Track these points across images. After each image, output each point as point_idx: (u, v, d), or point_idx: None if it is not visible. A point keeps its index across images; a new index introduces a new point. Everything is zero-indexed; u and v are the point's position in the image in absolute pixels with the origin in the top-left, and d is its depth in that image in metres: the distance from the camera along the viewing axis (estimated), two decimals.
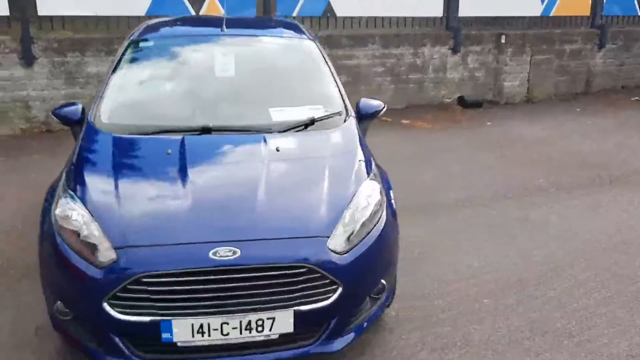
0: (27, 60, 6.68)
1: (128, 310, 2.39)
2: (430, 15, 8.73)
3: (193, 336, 2.43)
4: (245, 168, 2.92)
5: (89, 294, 2.42)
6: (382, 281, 2.82)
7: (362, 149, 3.19)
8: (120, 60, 3.63)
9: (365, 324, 2.78)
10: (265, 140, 3.07)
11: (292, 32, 4.19)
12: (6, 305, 3.32)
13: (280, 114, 3.32)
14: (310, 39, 4.06)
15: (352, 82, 8.29)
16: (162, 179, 2.80)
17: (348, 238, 2.65)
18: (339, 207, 2.73)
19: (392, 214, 2.97)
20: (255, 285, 2.44)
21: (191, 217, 2.56)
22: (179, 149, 2.95)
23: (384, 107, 3.83)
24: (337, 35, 8.17)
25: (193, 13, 7.43)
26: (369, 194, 2.88)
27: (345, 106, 3.52)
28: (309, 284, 2.50)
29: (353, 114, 3.52)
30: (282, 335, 2.52)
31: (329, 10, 8.08)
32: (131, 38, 3.82)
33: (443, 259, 4.03)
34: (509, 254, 4.13)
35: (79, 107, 3.48)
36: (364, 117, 3.73)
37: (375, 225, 2.77)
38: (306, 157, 3.09)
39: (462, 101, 8.91)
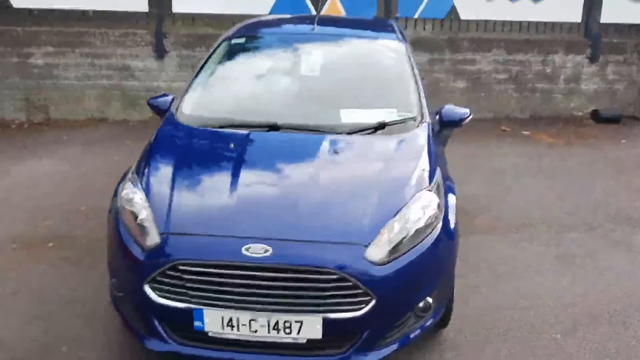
0: (159, 53, 7.23)
1: (166, 295, 2.49)
2: (567, 21, 8.08)
3: (223, 328, 2.47)
4: (299, 168, 2.91)
5: (134, 274, 2.56)
6: (428, 299, 2.66)
7: (429, 157, 3.03)
8: (210, 56, 3.80)
9: (404, 340, 2.64)
10: (327, 141, 3.04)
11: (383, 32, 4.10)
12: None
13: (351, 116, 3.27)
14: (400, 40, 3.94)
15: (471, 88, 7.96)
16: (217, 172, 2.88)
17: (391, 249, 2.53)
18: (385, 215, 2.62)
19: (449, 230, 2.79)
20: (284, 286, 2.42)
21: (232, 211, 2.60)
22: (242, 143, 3.02)
23: (469, 116, 3.62)
24: (458, 39, 7.86)
25: (313, 12, 7.58)
26: (425, 205, 2.73)
27: (422, 112, 3.37)
28: (340, 292, 2.43)
29: (428, 120, 3.36)
30: (310, 341, 2.48)
31: (453, 12, 7.79)
32: (225, 36, 3.98)
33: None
34: (549, 289, 3.76)
35: (169, 98, 3.69)
36: (446, 125, 3.55)
37: (424, 239, 2.62)
38: (365, 161, 3.01)
39: (596, 115, 8.14)
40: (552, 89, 8.15)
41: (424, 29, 7.87)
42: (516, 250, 4.27)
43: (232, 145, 3.00)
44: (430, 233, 2.68)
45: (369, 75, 3.74)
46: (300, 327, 2.45)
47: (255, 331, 2.46)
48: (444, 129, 3.57)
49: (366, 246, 2.51)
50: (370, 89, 3.64)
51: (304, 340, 2.48)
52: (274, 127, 3.17)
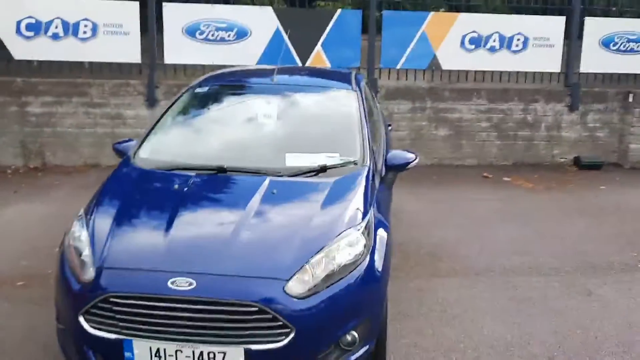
0: (151, 102, 7.55)
1: (98, 326, 2.63)
2: (547, 71, 8.32)
3: (151, 359, 2.59)
4: (234, 207, 3.07)
5: (71, 306, 2.71)
6: (354, 333, 2.77)
7: (364, 199, 3.18)
8: (173, 104, 4.05)
9: None
10: (266, 183, 3.22)
11: (337, 82, 4.34)
12: None
13: (295, 160, 3.45)
14: (352, 89, 4.14)
15: (454, 135, 8.15)
16: (157, 210, 3.05)
17: (313, 284, 2.67)
18: (309, 251, 2.76)
19: (374, 269, 2.91)
20: (207, 318, 2.55)
21: (163, 247, 2.76)
22: (186, 185, 3.21)
23: (413, 160, 3.80)
24: (440, 88, 8.12)
25: (300, 63, 7.90)
26: (350, 243, 2.87)
27: (364, 156, 3.54)
28: (260, 324, 2.56)
29: (369, 164, 3.52)
30: None
31: (435, 64, 8.07)
32: (190, 85, 4.24)
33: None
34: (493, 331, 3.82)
35: (133, 143, 3.91)
36: (391, 168, 3.73)
37: (347, 276, 2.75)
38: (298, 201, 3.17)
39: (577, 162, 8.27)
40: (534, 137, 8.32)
41: (407, 79, 8.14)
42: (472, 292, 4.35)
43: (176, 187, 3.19)
44: (354, 270, 2.80)
45: (318, 122, 3.95)
46: (223, 357, 2.56)
47: None
48: (389, 172, 3.74)
49: (287, 280, 2.64)
50: (317, 135, 3.83)
51: None
52: (221, 170, 3.36)
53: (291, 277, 2.64)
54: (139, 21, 7.51)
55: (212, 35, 7.63)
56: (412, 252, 5.06)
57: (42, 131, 7.46)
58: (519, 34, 8.10)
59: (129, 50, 7.48)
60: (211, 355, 2.55)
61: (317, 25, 7.84)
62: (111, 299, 2.60)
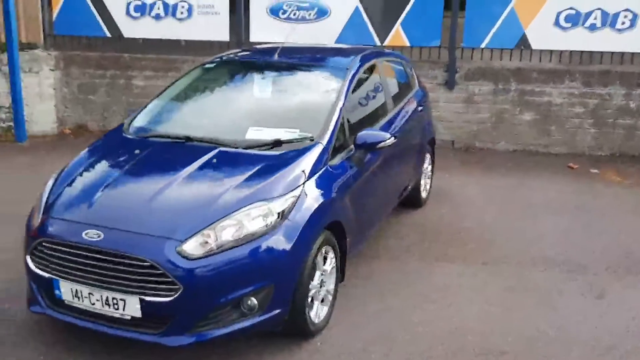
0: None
1: (38, 265, 3.02)
2: None
3: (72, 298, 2.92)
4: (170, 172, 3.21)
5: (25, 245, 3.16)
6: (252, 298, 2.87)
7: (298, 172, 3.19)
8: (179, 78, 4.35)
9: (226, 330, 2.86)
10: (213, 153, 3.35)
11: (335, 62, 4.28)
12: None
13: (256, 133, 3.54)
14: (344, 69, 4.06)
15: (541, 120, 7.53)
16: (107, 171, 3.33)
17: (210, 247, 2.79)
18: (213, 217, 2.86)
19: (286, 241, 2.94)
20: (111, 268, 2.80)
21: (90, 203, 3.06)
22: (146, 150, 3.48)
23: (384, 140, 3.67)
24: (527, 69, 7.51)
25: (378, 43, 7.82)
26: (262, 213, 2.94)
27: (324, 134, 3.51)
28: (153, 278, 2.73)
29: (325, 141, 3.47)
30: (133, 318, 2.82)
31: (524, 42, 7.47)
32: (203, 61, 4.51)
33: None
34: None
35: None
36: (360, 147, 3.65)
37: (249, 243, 2.83)
38: (231, 170, 3.25)
39: None
40: (638, 125, 7.38)
41: (491, 58, 7.66)
42: (469, 280, 4.12)
43: (137, 151, 3.47)
44: (257, 239, 2.86)
45: (295, 100, 3.98)
46: (124, 304, 2.80)
47: (94, 304, 2.87)
48: (358, 151, 3.67)
49: (181, 241, 2.76)
50: (289, 111, 3.86)
51: (129, 317, 2.82)
52: (188, 139, 3.58)
53: (187, 239, 2.78)
54: (228, 2, 7.98)
55: (294, 14, 7.84)
56: (434, 234, 4.86)
57: (144, 102, 8.29)
58: (626, 10, 7.18)
59: (219, 29, 7.99)
60: (114, 301, 2.82)
61: (397, 3, 7.67)
62: (44, 243, 2.99)
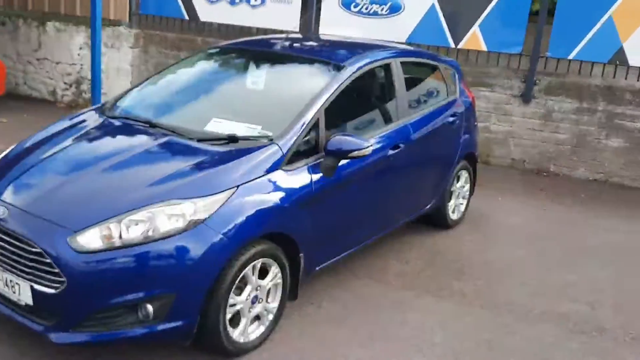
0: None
1: None
2: None
3: None
4: (105, 157, 2.95)
5: None
6: (148, 305, 2.55)
7: (232, 173, 2.82)
8: (178, 62, 4.13)
9: (117, 335, 2.57)
10: (158, 141, 3.09)
11: (335, 56, 3.78)
12: None
13: (216, 126, 3.20)
14: (338, 67, 3.58)
15: (630, 148, 6.48)
16: (53, 147, 3.15)
17: (107, 243, 2.52)
18: (118, 209, 2.57)
19: (198, 249, 2.60)
20: (9, 249, 2.64)
21: (15, 177, 2.89)
22: (99, 130, 3.31)
23: (359, 149, 3.17)
24: (620, 88, 6.47)
25: (451, 44, 7.16)
26: (173, 213, 2.60)
27: (286, 135, 3.09)
28: (41, 266, 2.53)
29: (284, 142, 3.04)
30: (27, 305, 2.64)
31: (619, 57, 6.44)
32: (210, 46, 4.25)
33: None
34: None
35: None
36: (329, 153, 3.19)
37: (151, 244, 2.52)
38: (164, 163, 2.90)
39: None
40: None
41: (579, 72, 6.69)
42: (446, 322, 3.51)
43: (92, 130, 3.29)
44: (163, 240, 2.53)
45: (274, 94, 3.59)
46: (19, 289, 2.64)
47: None
48: (328, 158, 3.20)
49: (75, 232, 2.50)
50: (263, 105, 3.49)
51: (24, 303, 2.65)
52: (151, 124, 3.34)
53: (82, 230, 2.51)
54: None
55: (366, 8, 7.40)
56: (445, 262, 4.25)
57: None
58: None
59: (290, 19, 7.76)
60: (11, 284, 2.65)
61: (477, 3, 6.95)
62: None
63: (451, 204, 4.83)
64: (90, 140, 3.25)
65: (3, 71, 7.70)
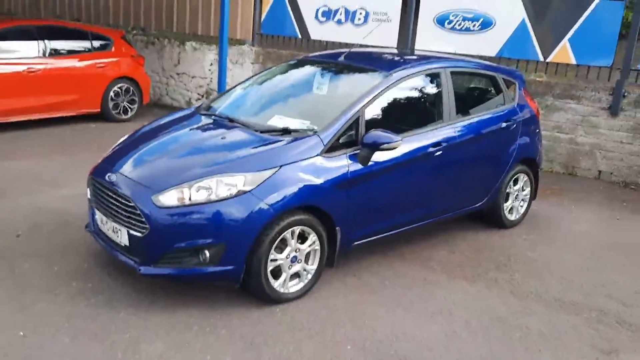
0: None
1: (90, 198, 3.98)
2: None
3: (100, 224, 3.79)
4: (192, 141, 3.85)
5: (87, 183, 4.02)
6: (206, 251, 3.30)
7: (280, 155, 3.52)
8: (264, 70, 4.98)
9: (183, 271, 3.37)
10: (230, 131, 3.89)
11: (389, 65, 4.36)
12: None
13: (277, 121, 3.95)
14: (386, 74, 4.14)
15: None
16: (156, 133, 4.11)
17: (180, 200, 3.31)
18: (188, 178, 3.38)
19: (246, 211, 3.31)
20: (116, 204, 3.59)
21: (126, 154, 3.84)
22: (194, 123, 4.21)
23: (390, 142, 3.72)
24: None
25: (540, 57, 7.33)
26: (229, 183, 3.35)
27: (327, 127, 3.72)
28: (135, 217, 3.41)
29: (325, 135, 3.67)
30: (125, 246, 3.57)
31: None
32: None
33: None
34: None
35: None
36: (365, 146, 3.79)
37: (210, 205, 3.29)
38: (230, 145, 3.68)
39: None
40: None
41: None
42: (470, 301, 3.90)
43: (185, 122, 4.20)
44: (218, 202, 3.27)
45: (330, 96, 4.22)
46: (120, 234, 3.57)
47: (107, 231, 3.71)
48: (364, 149, 3.79)
49: (158, 192, 3.33)
50: (317, 105, 4.17)
51: (123, 244, 3.57)
52: (230, 120, 4.20)
53: (162, 191, 3.34)
54: (400, 10, 8.34)
55: (459, 25, 7.82)
56: (491, 255, 4.58)
57: None
58: None
59: (389, 36, 8.39)
60: (116, 230, 3.60)
61: (567, 17, 7.08)
62: (92, 180, 3.93)
63: (507, 204, 5.14)
64: (182, 129, 4.15)
65: (148, 84, 9.18)
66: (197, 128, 4.14)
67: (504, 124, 4.87)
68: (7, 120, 7.49)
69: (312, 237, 3.68)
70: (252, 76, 4.97)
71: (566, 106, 7.07)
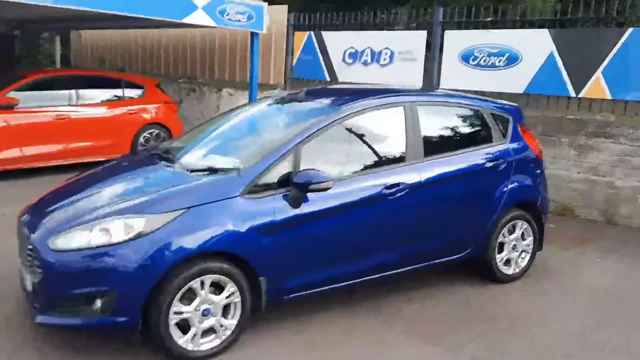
0: None
1: None
2: None
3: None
4: (123, 182, 3.71)
5: None
6: (97, 300, 3.01)
7: (186, 197, 3.22)
8: (221, 114, 4.74)
9: (77, 321, 3.10)
10: (159, 169, 3.72)
11: (343, 101, 3.94)
12: None
13: (210, 160, 3.71)
14: (333, 110, 3.78)
15: None
16: (97, 175, 3.93)
17: (80, 244, 3.06)
18: (88, 220, 3.15)
19: (138, 258, 3.02)
20: (26, 248, 3.35)
21: (55, 197, 3.68)
22: (130, 162, 4.06)
23: (319, 182, 3.30)
24: None
25: (572, 93, 6.57)
26: (130, 225, 3.06)
27: (251, 167, 3.38)
28: (34, 261, 3.17)
29: (245, 174, 3.33)
30: (31, 292, 3.28)
31: None
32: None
33: None
34: None
35: None
36: (295, 186, 3.37)
37: (102, 248, 3.01)
38: (142, 185, 3.50)
39: None
40: None
41: None
42: None
43: (127, 164, 4.08)
44: (112, 246, 2.99)
45: (272, 134, 3.89)
46: (27, 279, 3.29)
47: (24, 276, 3.48)
48: (295, 190, 3.37)
49: (55, 234, 3.11)
50: (255, 142, 3.85)
51: (30, 289, 3.28)
52: (162, 157, 3.91)
53: (59, 233, 3.11)
54: (424, 48, 7.90)
55: (484, 60, 7.25)
56: (463, 315, 3.94)
57: None
58: None
59: (415, 74, 7.95)
60: (25, 276, 3.35)
61: (599, 48, 6.32)
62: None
63: (502, 256, 4.46)
64: (121, 171, 3.96)
65: (180, 129, 9.24)
66: (134, 169, 3.94)
67: (489, 164, 4.27)
68: (35, 165, 7.73)
69: (231, 288, 3.28)
70: (217, 115, 4.74)
71: (601, 145, 6.23)
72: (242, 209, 3.29)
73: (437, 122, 4.26)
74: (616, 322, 3.94)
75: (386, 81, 8.17)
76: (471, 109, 4.44)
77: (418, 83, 7.87)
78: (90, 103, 8.26)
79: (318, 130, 3.63)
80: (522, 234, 4.56)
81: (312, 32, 9.11)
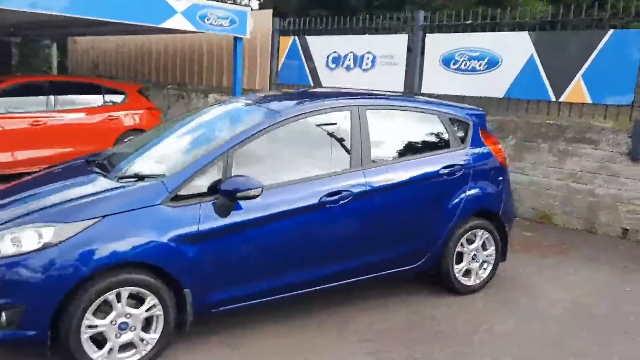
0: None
1: None
2: None
3: None
4: (49, 189, 3.50)
5: None
6: (2, 312, 2.84)
7: (102, 205, 3.05)
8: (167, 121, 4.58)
9: None
10: (88, 176, 3.55)
11: (284, 105, 3.75)
12: None
13: (140, 166, 3.55)
14: (276, 112, 3.60)
15: None
16: (33, 180, 3.82)
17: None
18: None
19: (54, 269, 2.85)
20: None
21: None
22: (66, 168, 3.90)
23: (247, 189, 3.12)
24: None
25: (552, 97, 6.31)
26: (40, 234, 2.90)
27: (174, 174, 3.22)
28: None
29: (167, 181, 3.16)
30: None
31: None
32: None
33: None
34: None
35: None
36: (222, 193, 3.19)
37: (8, 258, 2.86)
38: (73, 191, 3.28)
39: None
40: None
41: None
42: None
43: (64, 171, 3.92)
44: (19, 256, 2.84)
45: (210, 140, 3.68)
46: None
47: None
48: (223, 198, 3.19)
49: None
50: (190, 149, 3.68)
51: None
52: (105, 167, 3.73)
53: None
54: (406, 53, 7.70)
55: (465, 64, 7.02)
56: (412, 328, 3.74)
57: None
58: None
59: (396, 79, 7.76)
60: None
61: (579, 51, 6.08)
62: None
63: (460, 267, 4.23)
64: (57, 178, 3.79)
65: (158, 116, 9.12)
66: (66, 177, 3.77)
67: (444, 171, 4.05)
68: (12, 171, 7.61)
69: (151, 301, 3.10)
70: (167, 121, 4.58)
71: (581, 151, 5.98)
72: (164, 217, 3.12)
73: (388, 127, 4.05)
74: (580, 335, 3.69)
75: (368, 86, 7.98)
76: (427, 114, 4.23)
77: (400, 87, 7.67)
78: (70, 109, 8.15)
79: (252, 135, 3.45)
80: (484, 244, 4.34)
81: (296, 37, 8.95)
